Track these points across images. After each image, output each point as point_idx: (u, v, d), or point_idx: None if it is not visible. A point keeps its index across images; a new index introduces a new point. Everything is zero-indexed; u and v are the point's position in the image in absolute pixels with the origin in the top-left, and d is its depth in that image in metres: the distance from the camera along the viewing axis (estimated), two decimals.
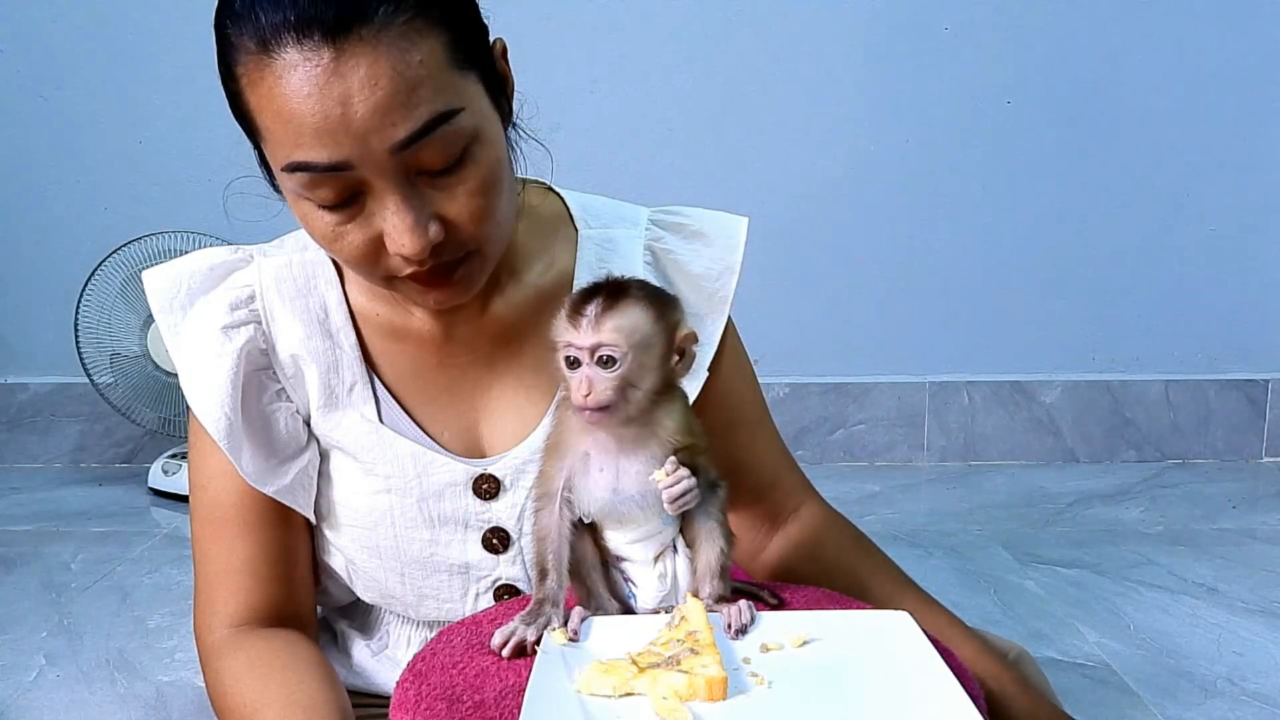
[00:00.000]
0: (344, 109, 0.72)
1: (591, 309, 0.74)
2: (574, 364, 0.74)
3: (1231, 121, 2.30)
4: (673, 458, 0.76)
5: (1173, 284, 2.36)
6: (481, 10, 0.83)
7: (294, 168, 0.75)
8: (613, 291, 0.75)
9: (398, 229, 0.77)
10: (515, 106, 0.87)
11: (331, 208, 0.77)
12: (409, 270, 0.80)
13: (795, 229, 2.30)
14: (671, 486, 0.75)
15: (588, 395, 0.73)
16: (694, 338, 0.78)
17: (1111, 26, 2.26)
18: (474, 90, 0.78)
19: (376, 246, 0.79)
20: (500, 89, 0.84)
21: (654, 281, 0.93)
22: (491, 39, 0.84)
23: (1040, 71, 2.28)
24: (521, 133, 0.90)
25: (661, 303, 0.76)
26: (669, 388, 0.78)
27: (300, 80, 0.72)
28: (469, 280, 0.84)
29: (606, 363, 0.73)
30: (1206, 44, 2.26)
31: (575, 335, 0.74)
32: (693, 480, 0.76)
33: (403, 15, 0.73)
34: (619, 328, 0.73)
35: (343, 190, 0.76)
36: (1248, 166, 2.32)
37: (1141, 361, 2.39)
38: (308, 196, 0.77)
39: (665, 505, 0.76)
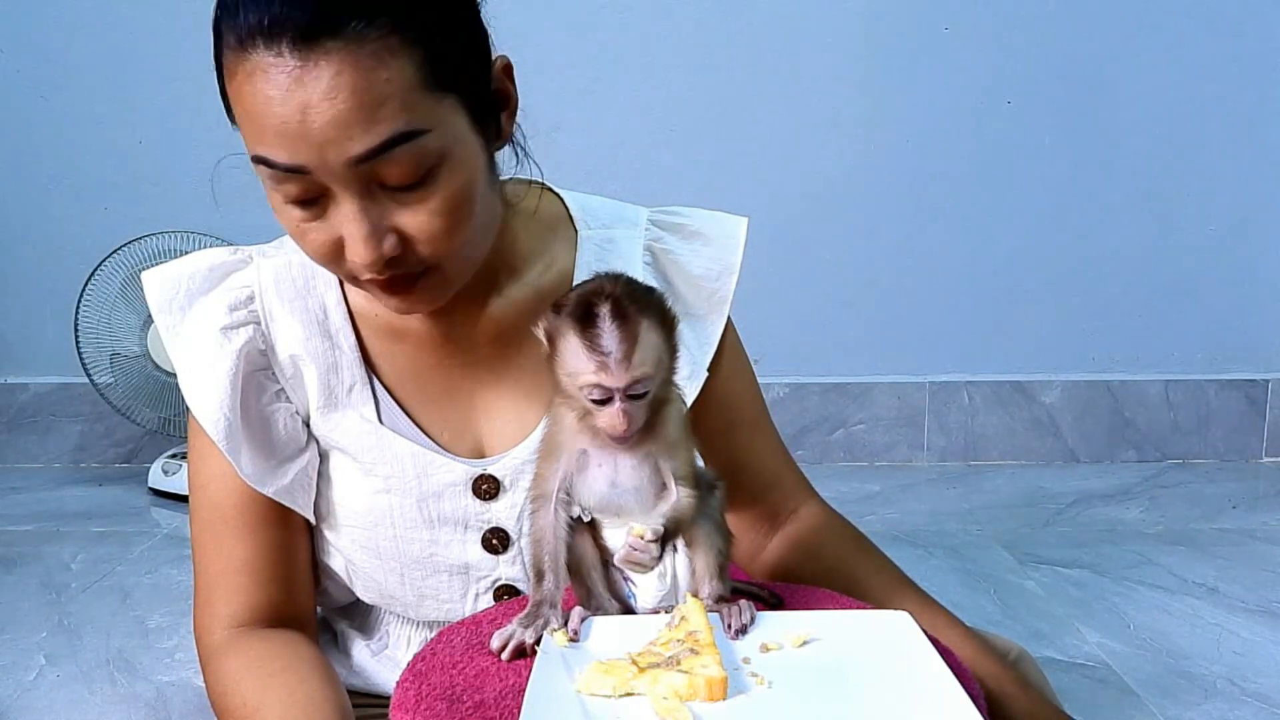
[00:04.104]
0: (303, 117, 0.72)
1: (613, 345, 0.71)
2: (603, 400, 0.73)
3: (1231, 121, 2.30)
4: (657, 528, 0.75)
5: (1173, 284, 2.36)
6: (488, 26, 0.83)
7: (258, 160, 0.76)
8: (621, 316, 0.72)
9: (353, 237, 0.77)
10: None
11: (298, 204, 0.78)
12: (368, 275, 0.81)
13: (795, 229, 2.30)
14: (637, 550, 0.75)
15: (626, 429, 0.73)
16: (678, 319, 0.78)
17: (1111, 27, 2.26)
18: (448, 113, 0.77)
19: (338, 248, 0.79)
20: (491, 109, 0.83)
21: (652, 283, 0.93)
22: (496, 54, 0.84)
23: (1040, 72, 2.28)
24: (521, 135, 0.90)
25: (658, 306, 0.75)
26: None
27: (264, 83, 0.73)
28: (430, 294, 0.84)
29: (640, 395, 0.73)
30: (1206, 44, 2.27)
31: (605, 377, 0.72)
32: (655, 560, 0.75)
33: (376, 32, 0.72)
34: (645, 360, 0.72)
35: (306, 190, 0.77)
36: (1248, 167, 2.32)
37: (1141, 361, 2.39)
38: (276, 190, 0.78)
39: (618, 558, 0.76)
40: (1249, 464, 2.38)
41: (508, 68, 0.85)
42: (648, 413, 0.75)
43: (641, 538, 0.75)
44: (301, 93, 0.72)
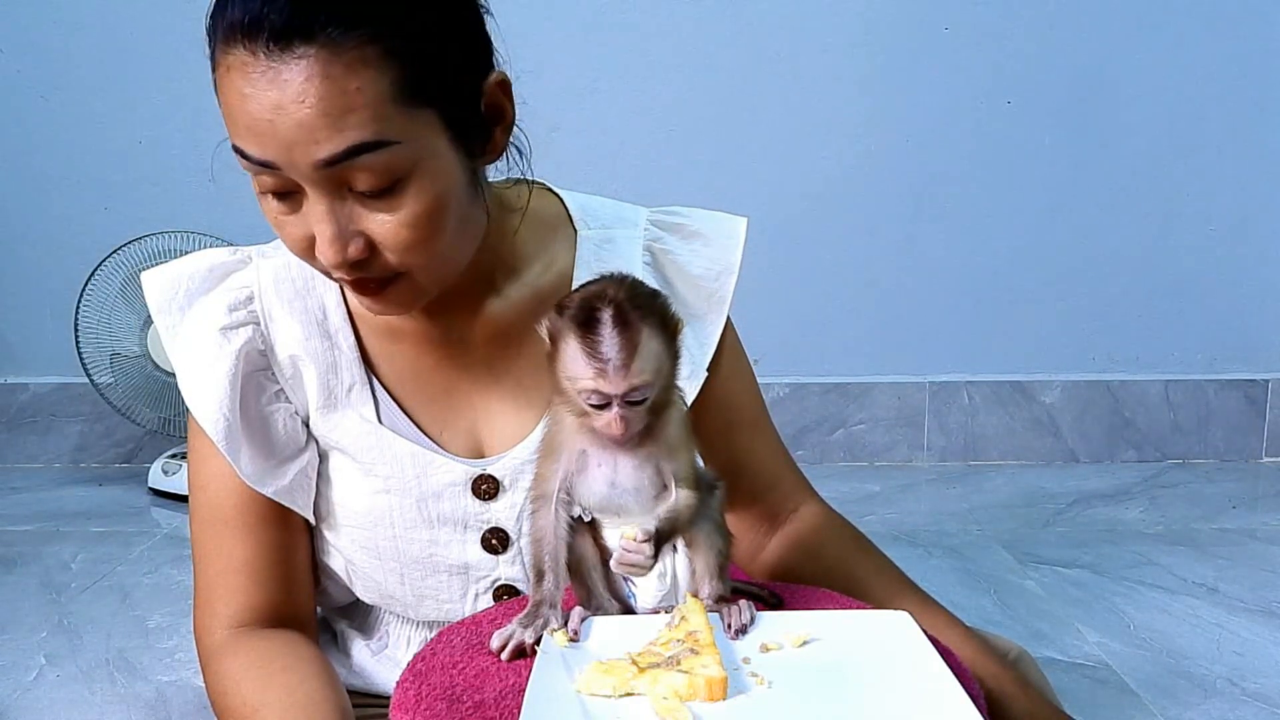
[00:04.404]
0: (273, 117, 0.73)
1: (613, 353, 0.71)
2: (601, 405, 0.73)
3: (1231, 121, 2.30)
4: (649, 528, 0.75)
5: (1173, 284, 2.36)
6: (496, 38, 0.83)
7: (236, 150, 0.78)
8: (622, 323, 0.72)
9: (321, 236, 0.78)
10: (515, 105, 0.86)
11: (275, 196, 0.79)
12: (336, 275, 0.81)
13: (795, 229, 2.30)
14: (630, 552, 0.75)
15: (623, 434, 0.73)
16: (683, 323, 0.78)
17: (1111, 27, 2.26)
18: (423, 127, 0.77)
19: (311, 243, 0.80)
20: (480, 125, 0.83)
21: (652, 283, 0.93)
22: (495, 70, 0.83)
23: (1040, 72, 2.28)
24: (526, 140, 0.90)
25: (661, 313, 0.75)
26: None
27: (240, 79, 0.74)
28: (400, 299, 0.84)
29: (638, 402, 0.73)
30: (1206, 44, 2.26)
31: (604, 384, 0.72)
32: (650, 560, 0.75)
33: (350, 41, 0.73)
34: (645, 368, 0.72)
35: (280, 184, 0.78)
36: (1247, 166, 2.32)
37: (1141, 361, 2.39)
38: (255, 180, 0.79)
39: (612, 562, 0.77)
40: (1249, 464, 2.38)
41: (504, 83, 0.84)
42: (646, 418, 0.75)
43: (634, 539, 0.75)
44: (273, 93, 0.73)
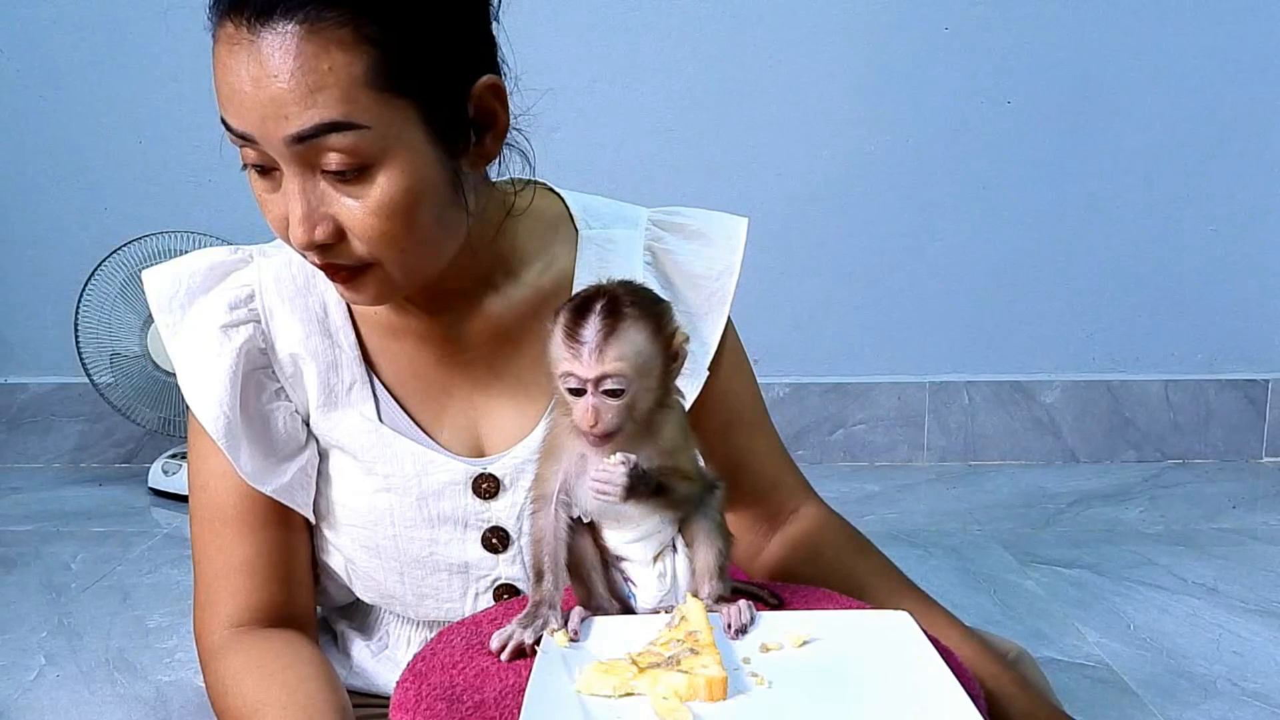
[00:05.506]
0: (250, 89, 0.75)
1: (591, 335, 0.72)
2: (577, 390, 0.73)
3: (1231, 121, 2.30)
4: (630, 456, 0.73)
5: (1173, 284, 2.36)
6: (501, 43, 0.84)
7: (222, 121, 0.79)
8: (609, 312, 0.72)
9: (292, 214, 0.79)
10: (513, 106, 0.86)
11: (258, 172, 0.80)
12: (311, 258, 0.82)
13: (795, 229, 2.30)
14: (605, 471, 0.73)
15: (594, 425, 0.73)
16: (686, 338, 0.77)
17: (1111, 27, 2.26)
18: (397, 117, 0.77)
19: (287, 222, 0.81)
20: (465, 127, 0.82)
21: (653, 283, 0.93)
22: (488, 75, 0.83)
23: (1040, 71, 2.28)
24: (520, 133, 0.90)
25: (657, 316, 0.75)
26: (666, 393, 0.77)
27: (226, 51, 0.76)
28: (372, 289, 0.84)
29: (613, 393, 0.73)
30: (1207, 44, 2.27)
31: (578, 366, 0.72)
32: (623, 491, 0.73)
33: (329, 21, 0.74)
34: (622, 356, 0.72)
35: (261, 159, 0.79)
36: (1248, 166, 2.32)
37: (1141, 361, 2.39)
38: (241, 153, 0.80)
39: (589, 482, 0.74)
40: (1249, 464, 2.38)
41: (495, 88, 0.84)
42: (623, 417, 0.73)
43: (612, 462, 0.73)
44: (252, 66, 0.75)
